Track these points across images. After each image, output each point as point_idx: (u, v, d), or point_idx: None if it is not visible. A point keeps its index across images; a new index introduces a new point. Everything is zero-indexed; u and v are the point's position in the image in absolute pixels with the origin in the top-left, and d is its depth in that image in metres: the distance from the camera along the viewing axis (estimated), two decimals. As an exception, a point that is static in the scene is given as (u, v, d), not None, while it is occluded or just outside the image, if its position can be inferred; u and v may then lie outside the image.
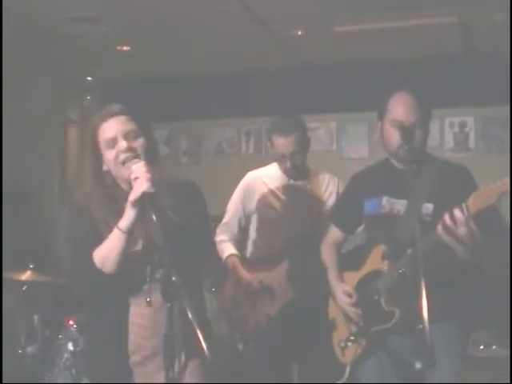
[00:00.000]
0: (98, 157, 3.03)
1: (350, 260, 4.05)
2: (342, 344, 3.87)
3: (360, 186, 3.94)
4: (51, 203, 8.53)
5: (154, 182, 2.81)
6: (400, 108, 3.63)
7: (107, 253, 2.90)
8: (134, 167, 2.86)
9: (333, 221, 4.17)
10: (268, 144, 5.04)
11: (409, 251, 3.40)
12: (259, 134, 9.25)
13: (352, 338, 3.82)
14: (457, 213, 3.18)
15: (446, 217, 3.22)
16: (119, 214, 2.95)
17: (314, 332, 4.74)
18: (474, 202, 3.16)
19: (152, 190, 2.77)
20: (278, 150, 4.86)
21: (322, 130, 8.84)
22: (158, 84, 9.24)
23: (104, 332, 3.10)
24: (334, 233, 4.13)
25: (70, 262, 3.08)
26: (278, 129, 4.87)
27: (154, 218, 2.69)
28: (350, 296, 3.82)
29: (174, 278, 2.48)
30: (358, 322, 3.78)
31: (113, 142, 2.96)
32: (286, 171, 4.96)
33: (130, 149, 2.93)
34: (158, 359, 2.92)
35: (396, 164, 3.75)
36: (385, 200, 3.71)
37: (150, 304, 2.69)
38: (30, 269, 5.63)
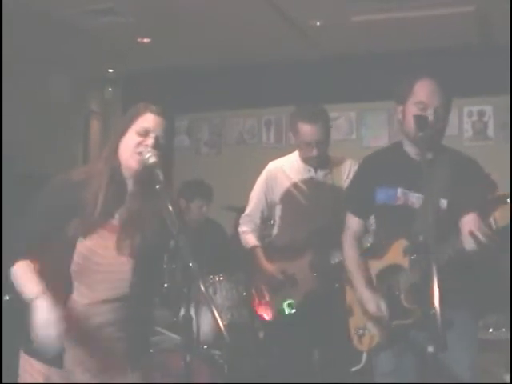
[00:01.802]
0: (122, 133, 3.08)
1: (371, 249, 4.04)
2: (360, 332, 3.86)
3: (372, 171, 3.87)
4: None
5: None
6: (426, 91, 3.62)
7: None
8: (151, 159, 2.94)
9: (348, 209, 4.06)
10: (290, 133, 5.06)
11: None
12: (280, 124, 9.29)
13: (369, 327, 3.80)
14: (484, 229, 3.17)
15: (466, 226, 3.22)
16: (112, 196, 3.04)
17: (335, 321, 4.79)
18: (502, 216, 3.14)
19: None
20: (304, 137, 4.86)
21: (341, 119, 8.86)
22: (178, 75, 9.27)
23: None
24: (353, 223, 4.02)
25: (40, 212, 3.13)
26: (305, 116, 4.86)
27: (169, 207, 2.76)
28: (379, 310, 3.71)
29: (190, 264, 2.54)
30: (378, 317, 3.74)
31: (145, 132, 3.02)
32: (309, 160, 4.96)
33: (154, 148, 2.99)
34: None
35: (410, 151, 3.73)
36: (400, 192, 3.68)
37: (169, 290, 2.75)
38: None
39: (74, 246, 2.98)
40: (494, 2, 6.56)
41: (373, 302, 3.73)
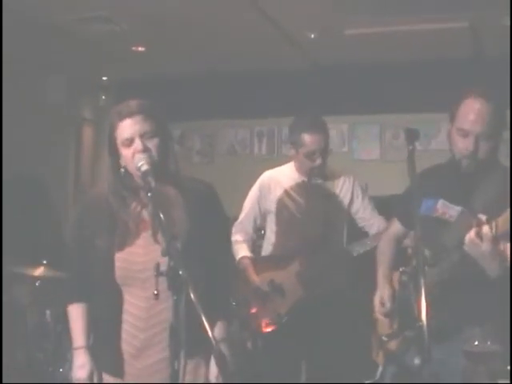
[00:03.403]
0: (115, 152, 3.08)
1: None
2: (385, 338, 3.81)
3: (425, 183, 3.60)
4: (65, 200, 8.62)
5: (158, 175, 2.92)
6: (469, 115, 3.41)
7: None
8: (143, 167, 2.94)
9: (395, 214, 4.02)
10: (289, 145, 5.07)
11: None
12: (272, 135, 9.31)
13: (385, 338, 3.79)
14: (485, 229, 3.13)
15: (472, 231, 3.16)
16: (136, 207, 3.10)
17: (324, 331, 4.80)
18: (504, 222, 3.11)
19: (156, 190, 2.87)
20: (309, 147, 4.85)
21: (333, 131, 8.79)
22: (172, 84, 9.30)
23: (99, 320, 3.19)
24: (395, 227, 3.99)
25: (75, 250, 3.24)
26: (309, 126, 4.88)
27: (161, 215, 2.74)
28: (382, 305, 3.77)
29: (180, 272, 2.53)
30: (386, 327, 3.76)
31: (129, 141, 2.99)
32: (311, 170, 4.95)
33: (145, 149, 2.98)
34: (149, 353, 3.06)
35: (461, 168, 3.55)
36: (440, 203, 3.59)
37: (157, 297, 2.72)
38: (43, 264, 5.70)
39: (112, 258, 3.05)
40: (486, 19, 6.60)
41: (378, 296, 3.78)
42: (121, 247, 3.06)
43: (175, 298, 2.56)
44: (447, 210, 3.58)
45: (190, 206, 3.09)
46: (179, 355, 2.61)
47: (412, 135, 3.33)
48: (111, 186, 3.12)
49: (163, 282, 2.63)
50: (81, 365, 3.16)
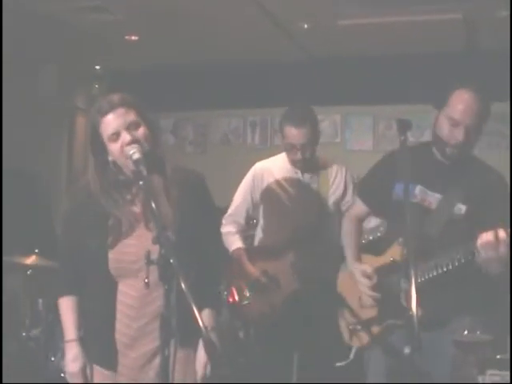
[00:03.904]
0: (102, 149, 3.06)
1: (370, 246, 4.06)
2: (351, 327, 3.86)
3: (394, 165, 3.69)
4: (58, 190, 8.61)
5: (149, 164, 2.90)
6: (459, 105, 3.50)
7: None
8: (134, 156, 2.91)
9: (358, 193, 4.10)
10: (279, 134, 5.07)
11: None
12: (265, 125, 9.32)
13: (361, 325, 3.81)
14: (501, 233, 3.16)
15: (490, 234, 3.19)
16: (127, 202, 3.09)
17: (317, 323, 4.80)
18: None
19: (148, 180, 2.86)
20: (290, 140, 4.85)
21: (326, 122, 8.86)
22: (165, 74, 9.29)
23: (92, 312, 3.18)
24: (358, 207, 4.06)
25: (66, 245, 3.24)
26: (291, 119, 4.86)
27: (152, 204, 2.73)
28: (369, 278, 3.78)
29: (171, 261, 2.53)
30: (372, 306, 3.76)
31: (116, 135, 2.98)
32: (294, 162, 4.96)
33: (133, 140, 2.96)
34: (143, 342, 3.06)
35: (437, 153, 3.67)
36: (418, 189, 3.65)
37: (147, 286, 2.73)
38: (35, 253, 5.70)
39: (105, 253, 3.05)
40: (480, 10, 6.60)
41: (359, 271, 3.81)
42: (115, 243, 3.05)
43: (166, 287, 2.56)
44: (426, 196, 3.64)
45: (179, 196, 3.09)
46: (169, 344, 2.63)
47: (403, 126, 3.36)
48: (100, 186, 3.09)
49: (155, 271, 2.63)
50: (73, 358, 3.16)
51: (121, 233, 3.06)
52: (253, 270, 5.03)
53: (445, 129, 3.55)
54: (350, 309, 3.94)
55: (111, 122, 2.99)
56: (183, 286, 2.45)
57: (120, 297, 3.08)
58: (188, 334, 2.66)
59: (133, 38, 7.99)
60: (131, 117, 3.01)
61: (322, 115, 8.58)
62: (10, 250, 5.90)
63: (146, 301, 3.05)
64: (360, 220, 4.10)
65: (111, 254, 3.04)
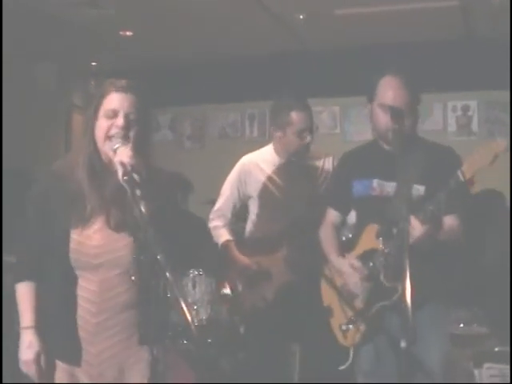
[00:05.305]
0: (94, 119, 3.01)
1: (344, 244, 4.06)
2: (344, 327, 3.84)
3: (349, 166, 3.95)
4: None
5: (136, 169, 2.80)
6: (388, 92, 3.64)
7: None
8: (119, 150, 2.86)
9: (327, 202, 4.16)
10: (275, 126, 5.05)
11: (395, 231, 3.46)
12: (263, 118, 9.29)
13: (353, 319, 3.79)
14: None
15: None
16: (98, 186, 3.00)
17: (310, 315, 4.77)
18: (469, 166, 3.21)
19: (132, 176, 2.78)
20: (300, 125, 4.86)
21: (325, 113, 8.88)
22: (162, 69, 9.28)
23: (53, 306, 3.10)
24: (331, 213, 4.11)
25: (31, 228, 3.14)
26: (297, 105, 4.90)
27: (142, 208, 2.68)
28: (358, 270, 3.75)
29: (158, 257, 2.50)
30: (364, 298, 3.75)
31: (113, 113, 2.95)
32: (299, 148, 4.92)
33: (124, 127, 2.93)
34: (103, 337, 3.01)
35: (385, 146, 3.76)
36: (375, 182, 3.72)
37: (134, 283, 2.70)
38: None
39: (67, 239, 2.97)
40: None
41: (346, 264, 3.81)
42: (77, 227, 2.98)
43: (153, 283, 2.54)
44: (384, 187, 3.71)
45: (152, 195, 3.01)
46: (130, 341, 2.61)
47: (394, 118, 3.41)
48: (85, 156, 3.02)
49: (117, 266, 2.68)
50: (27, 345, 3.05)
51: (85, 219, 2.98)
52: (242, 258, 5.04)
53: (381, 117, 3.66)
54: (338, 309, 3.94)
55: (117, 99, 2.97)
56: (172, 281, 2.43)
57: (79, 292, 3.02)
58: (149, 333, 2.63)
59: (127, 33, 7.97)
60: (134, 109, 2.98)
61: (321, 106, 8.65)
62: (10, 249, 5.88)
63: (107, 296, 2.99)
64: (336, 226, 4.13)
65: (72, 244, 2.97)
